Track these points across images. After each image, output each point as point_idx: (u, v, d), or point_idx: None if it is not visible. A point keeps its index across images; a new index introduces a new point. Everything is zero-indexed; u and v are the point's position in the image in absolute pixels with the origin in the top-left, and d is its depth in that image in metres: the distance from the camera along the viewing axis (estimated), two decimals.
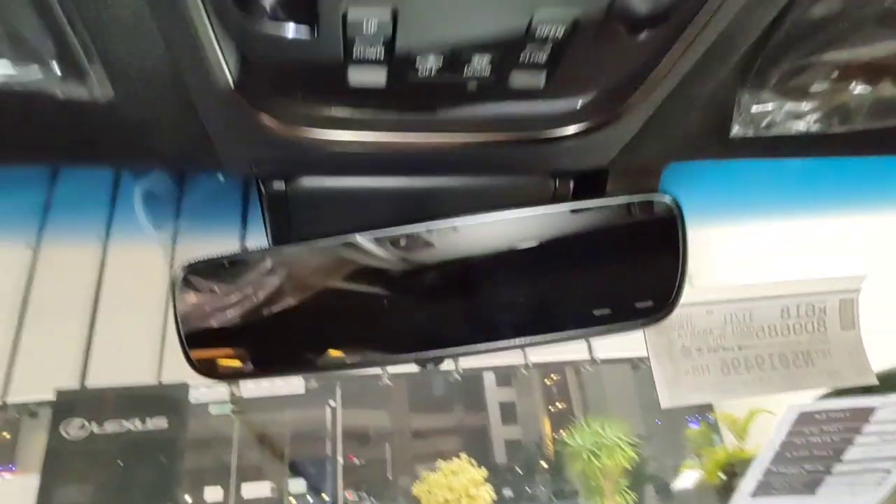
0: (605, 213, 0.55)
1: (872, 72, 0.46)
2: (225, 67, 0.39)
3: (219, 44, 0.37)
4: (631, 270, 0.56)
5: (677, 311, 0.86)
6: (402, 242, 0.57)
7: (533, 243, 0.55)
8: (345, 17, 0.35)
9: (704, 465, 7.12)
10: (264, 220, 0.62)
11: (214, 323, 0.53)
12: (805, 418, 1.05)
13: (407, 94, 0.43)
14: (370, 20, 0.36)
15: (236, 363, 0.53)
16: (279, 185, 0.56)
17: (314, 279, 0.56)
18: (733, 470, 6.38)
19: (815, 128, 0.48)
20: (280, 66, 0.40)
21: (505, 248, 0.56)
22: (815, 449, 1.15)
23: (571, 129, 0.47)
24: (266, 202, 0.57)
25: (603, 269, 0.57)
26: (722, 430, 7.47)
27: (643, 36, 0.39)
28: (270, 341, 0.56)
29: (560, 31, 0.38)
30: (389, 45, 0.38)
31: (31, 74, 0.40)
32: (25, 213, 0.78)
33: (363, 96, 0.43)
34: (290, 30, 0.36)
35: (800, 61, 0.44)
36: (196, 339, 0.52)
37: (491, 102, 0.46)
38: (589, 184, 0.67)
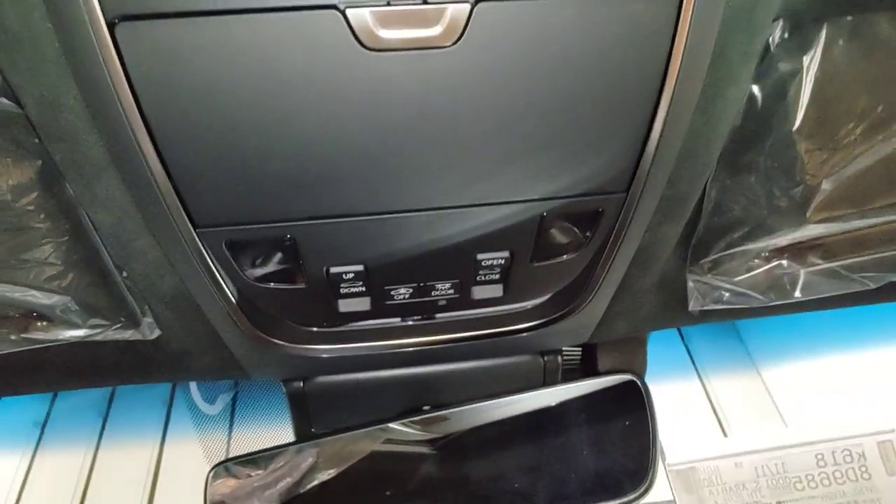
0: (578, 395, 0.60)
1: (795, 252, 0.52)
2: (240, 310, 0.49)
3: (233, 294, 0.48)
4: (606, 450, 0.59)
5: (705, 466, 0.86)
6: (410, 430, 0.63)
7: (512, 426, 0.61)
8: (328, 272, 0.46)
9: None
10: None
11: None
12: None
13: (389, 313, 0.53)
14: (348, 273, 0.46)
15: None
16: (297, 385, 0.64)
17: (341, 471, 0.63)
18: None
19: (760, 302, 0.53)
20: (282, 305, 0.50)
21: (488, 432, 0.61)
22: None
23: (530, 324, 0.54)
24: (287, 399, 0.65)
25: (581, 448, 0.60)
26: None
27: (569, 257, 0.48)
28: None
29: (502, 261, 0.47)
30: (367, 283, 0.48)
31: (97, 333, 0.51)
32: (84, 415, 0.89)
33: (355, 316, 0.53)
34: (286, 287, 0.47)
35: (723, 252, 0.51)
36: None
37: (461, 310, 0.54)
38: (583, 355, 0.72)
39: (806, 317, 0.91)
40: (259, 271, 0.45)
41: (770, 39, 0.37)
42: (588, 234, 0.46)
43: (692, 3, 0.33)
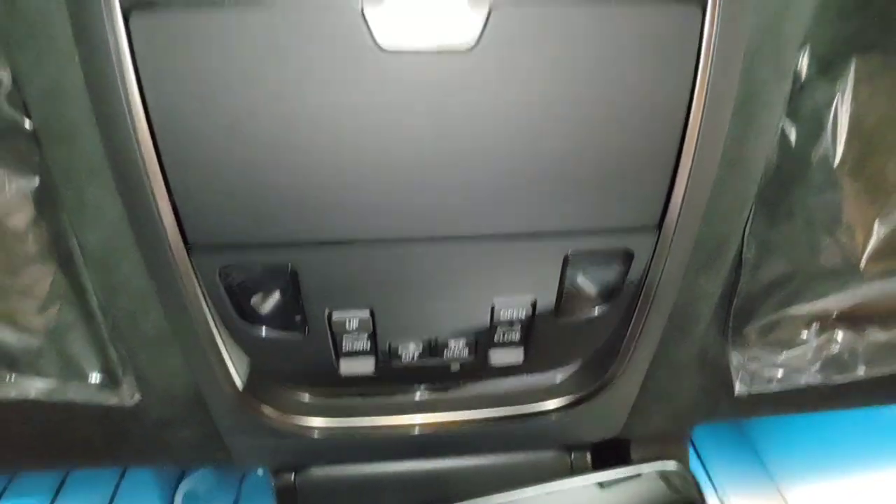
0: (622, 485, 0.51)
1: (852, 320, 0.46)
2: (233, 369, 0.44)
3: (227, 350, 0.43)
4: None
5: None
6: None
7: None
8: (330, 317, 0.41)
9: None
10: None
11: None
12: None
13: (395, 378, 0.47)
14: (352, 319, 0.41)
15: None
16: (288, 477, 0.56)
17: None
18: None
19: (816, 380, 0.47)
20: (279, 365, 0.45)
21: None
22: None
23: (557, 403, 0.48)
24: (276, 495, 0.56)
25: None
26: None
27: (600, 311, 0.43)
28: None
29: (523, 313, 0.42)
30: (372, 337, 0.43)
31: (71, 387, 0.46)
32: None
33: (357, 384, 0.47)
34: (285, 334, 0.42)
35: (770, 316, 0.46)
36: None
37: (476, 381, 0.48)
38: (612, 455, 0.63)
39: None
40: (253, 310, 0.41)
41: (799, 67, 0.36)
42: (619, 281, 0.42)
43: (716, 21, 0.32)
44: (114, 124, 0.32)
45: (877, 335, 0.46)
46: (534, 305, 0.42)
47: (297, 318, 0.41)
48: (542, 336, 0.44)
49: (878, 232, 0.39)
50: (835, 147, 0.37)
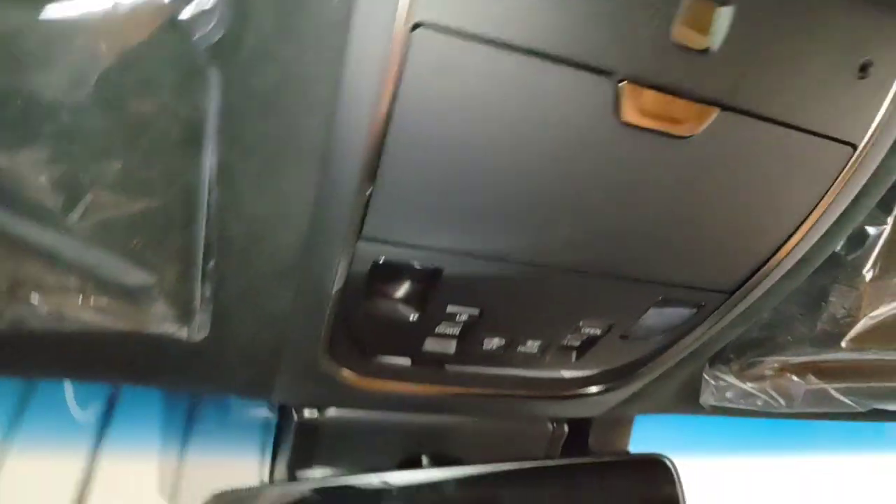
0: (602, 470, 0.62)
1: (801, 368, 0.60)
2: (329, 333, 0.45)
3: (333, 322, 0.44)
4: None
5: None
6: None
7: (533, 493, 0.61)
8: (444, 307, 0.44)
9: None
10: (278, 446, 0.64)
11: None
12: None
13: (470, 359, 0.51)
14: (462, 314, 0.45)
15: None
16: (311, 414, 0.59)
17: None
18: None
19: (762, 406, 0.61)
20: (375, 334, 0.47)
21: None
22: None
23: (567, 393, 0.56)
24: (295, 430, 0.59)
25: None
26: None
27: (654, 340, 0.51)
28: None
29: (598, 331, 0.49)
30: (470, 326, 0.47)
31: (137, 313, 0.44)
32: None
33: (431, 357, 0.51)
34: (405, 314, 0.44)
35: (754, 359, 0.58)
36: None
37: (529, 368, 0.55)
38: (576, 428, 0.75)
39: None
40: (383, 292, 0.42)
41: None
42: (680, 321, 0.50)
43: (859, 162, 0.39)
44: (352, 111, 0.31)
45: (814, 382, 0.60)
46: (609, 328, 0.49)
47: (417, 304, 0.44)
48: (599, 349, 0.52)
49: (864, 323, 0.52)
50: (874, 261, 0.48)
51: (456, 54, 0.30)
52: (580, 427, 0.73)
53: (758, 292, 0.47)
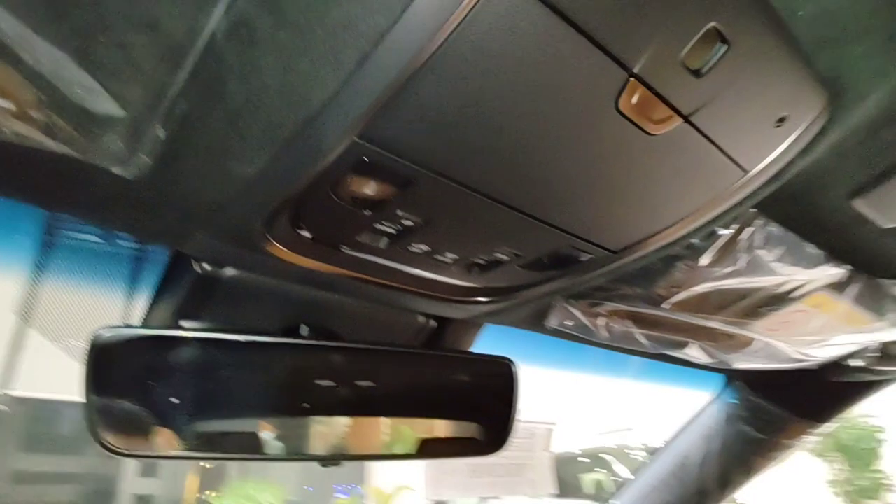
0: (462, 363, 0.74)
1: (629, 317, 0.77)
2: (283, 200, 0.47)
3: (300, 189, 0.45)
4: (473, 410, 0.75)
5: None
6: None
7: (402, 372, 0.70)
8: (395, 210, 0.48)
9: None
10: (161, 293, 0.63)
11: (128, 399, 0.52)
12: None
13: (393, 256, 0.56)
14: (407, 220, 0.49)
15: (145, 442, 0.52)
16: (213, 270, 0.59)
17: (236, 367, 0.60)
18: None
19: (588, 335, 0.77)
20: (322, 217, 0.49)
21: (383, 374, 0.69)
22: None
23: (476, 299, 0.66)
24: (194, 281, 0.59)
25: (453, 405, 0.74)
26: (369, 501, 8.01)
27: (539, 275, 0.62)
28: (194, 423, 0.56)
29: (507, 258, 0.57)
30: (415, 231, 0.51)
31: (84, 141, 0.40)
32: None
33: (359, 247, 0.54)
34: (363, 208, 0.47)
35: (598, 301, 0.72)
36: (106, 413, 0.50)
37: (429, 270, 0.61)
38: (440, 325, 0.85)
39: None
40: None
41: None
42: (570, 265, 0.60)
43: (744, 182, 0.51)
44: (417, 21, 0.33)
45: (629, 326, 0.78)
46: (517, 256, 0.57)
47: (376, 202, 0.47)
48: (499, 270, 0.60)
49: (685, 294, 0.68)
50: (713, 254, 0.63)
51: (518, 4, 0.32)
52: (443, 325, 0.83)
53: (634, 257, 0.59)
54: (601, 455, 5.51)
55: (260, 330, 0.66)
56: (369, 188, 0.45)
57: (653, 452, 1.42)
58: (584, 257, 0.59)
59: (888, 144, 0.55)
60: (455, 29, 0.32)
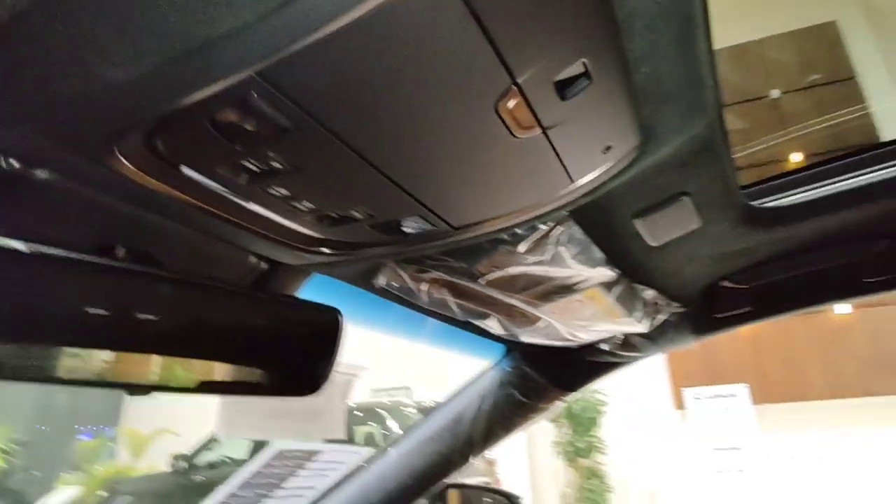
0: (287, 307, 0.75)
1: (448, 286, 0.86)
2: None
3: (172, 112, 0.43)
4: (295, 351, 0.76)
5: None
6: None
7: (216, 310, 0.69)
8: (266, 151, 0.48)
9: (86, 480, 6.69)
10: None
11: None
12: (280, 454, 1.39)
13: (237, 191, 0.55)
14: (275, 162, 0.50)
15: None
16: (18, 165, 0.52)
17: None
18: (116, 487, 6.25)
19: (409, 297, 0.84)
20: (189, 143, 0.47)
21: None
22: (271, 478, 1.50)
23: (318, 249, 0.67)
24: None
25: (260, 347, 0.74)
26: (121, 445, 7.30)
27: (382, 237, 0.66)
28: None
29: (360, 216, 0.61)
30: (267, 172, 0.51)
31: None
32: None
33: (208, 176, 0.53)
34: (235, 142, 0.46)
35: (425, 268, 0.80)
36: None
37: (277, 213, 0.61)
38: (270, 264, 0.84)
39: None
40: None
41: None
42: (411, 233, 0.66)
43: (570, 190, 0.62)
44: None
45: (453, 298, 0.87)
46: (370, 216, 0.61)
47: (250, 138, 0.46)
48: (350, 226, 0.63)
49: (499, 273, 0.79)
50: (529, 243, 0.74)
51: None
52: (274, 268, 0.83)
53: (469, 235, 0.67)
54: (377, 410, 5.82)
55: (63, 242, 0.59)
56: (249, 124, 0.45)
57: (426, 412, 1.57)
58: (428, 227, 0.65)
59: (662, 185, 0.71)
60: (386, 2, 0.35)
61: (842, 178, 0.91)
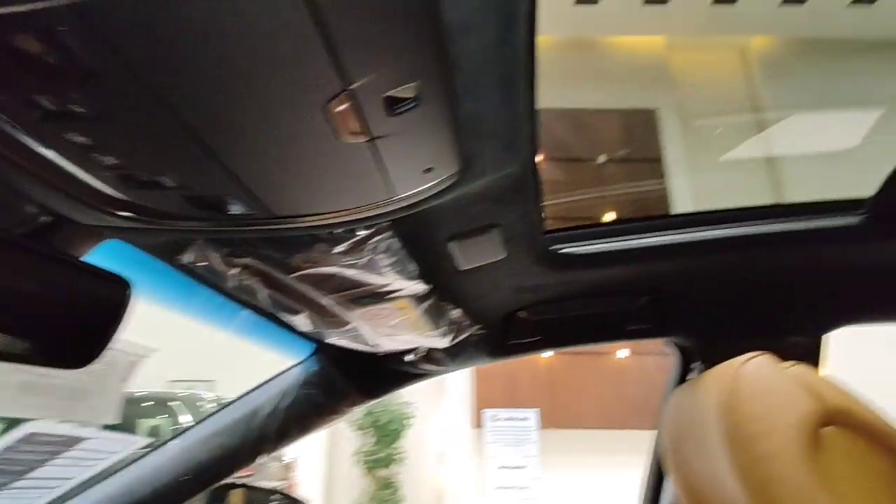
0: (66, 269, 0.67)
1: (259, 274, 0.84)
2: None
3: None
4: (67, 318, 0.67)
5: None
6: None
7: None
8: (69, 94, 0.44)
9: None
10: None
11: None
12: (29, 437, 1.18)
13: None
14: (77, 106, 0.46)
15: None
16: None
17: None
18: None
19: (219, 282, 0.81)
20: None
21: None
22: (16, 464, 1.26)
23: (125, 214, 0.62)
24: None
25: (43, 309, 0.65)
26: None
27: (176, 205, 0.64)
28: None
29: (174, 184, 0.58)
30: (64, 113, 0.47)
31: None
32: None
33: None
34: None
35: (235, 256, 0.77)
36: None
37: (96, 178, 0.56)
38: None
39: None
40: None
41: None
42: (235, 212, 0.64)
43: (391, 202, 0.65)
44: None
45: (265, 288, 0.85)
46: (181, 186, 0.58)
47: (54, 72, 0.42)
48: (165, 192, 0.59)
49: (309, 271, 0.79)
50: (345, 246, 0.76)
51: None
52: (59, 223, 0.74)
53: (289, 226, 0.67)
54: (169, 403, 5.32)
55: None
56: (53, 57, 0.41)
57: (225, 405, 1.49)
58: (248, 210, 0.64)
59: (477, 214, 0.78)
60: None
61: (624, 238, 1.08)
